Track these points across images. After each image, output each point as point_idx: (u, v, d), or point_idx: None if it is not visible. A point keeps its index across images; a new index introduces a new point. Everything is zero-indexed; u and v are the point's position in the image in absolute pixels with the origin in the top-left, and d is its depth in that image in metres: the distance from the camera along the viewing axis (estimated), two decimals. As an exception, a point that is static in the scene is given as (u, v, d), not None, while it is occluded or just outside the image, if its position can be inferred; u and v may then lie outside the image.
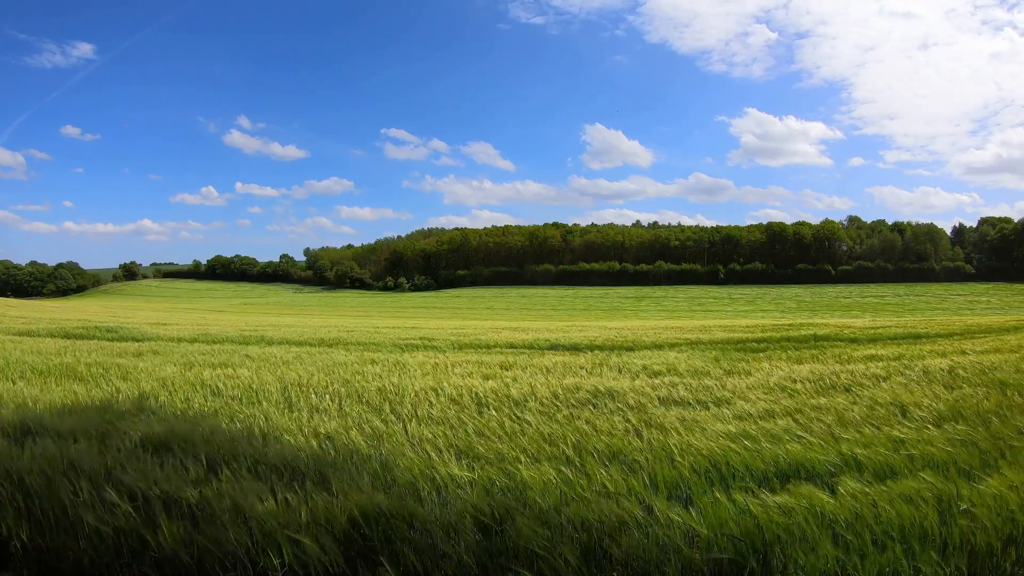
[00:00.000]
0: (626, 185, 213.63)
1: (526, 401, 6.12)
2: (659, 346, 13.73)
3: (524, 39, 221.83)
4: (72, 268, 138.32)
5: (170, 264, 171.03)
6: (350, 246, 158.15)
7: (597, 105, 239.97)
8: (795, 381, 7.21)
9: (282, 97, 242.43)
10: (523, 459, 4.10)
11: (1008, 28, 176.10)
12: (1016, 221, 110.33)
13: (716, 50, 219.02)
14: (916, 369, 7.95)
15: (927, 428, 4.69)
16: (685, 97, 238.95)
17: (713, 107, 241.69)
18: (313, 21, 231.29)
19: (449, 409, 5.79)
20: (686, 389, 6.75)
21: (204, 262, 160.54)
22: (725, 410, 5.69)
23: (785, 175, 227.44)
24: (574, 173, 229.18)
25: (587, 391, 6.61)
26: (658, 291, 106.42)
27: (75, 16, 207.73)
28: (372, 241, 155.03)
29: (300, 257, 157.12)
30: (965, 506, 2.92)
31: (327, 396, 6.53)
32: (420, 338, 16.96)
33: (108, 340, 16.49)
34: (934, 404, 5.52)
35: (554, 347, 13.83)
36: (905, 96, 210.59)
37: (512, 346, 14.37)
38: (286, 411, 5.79)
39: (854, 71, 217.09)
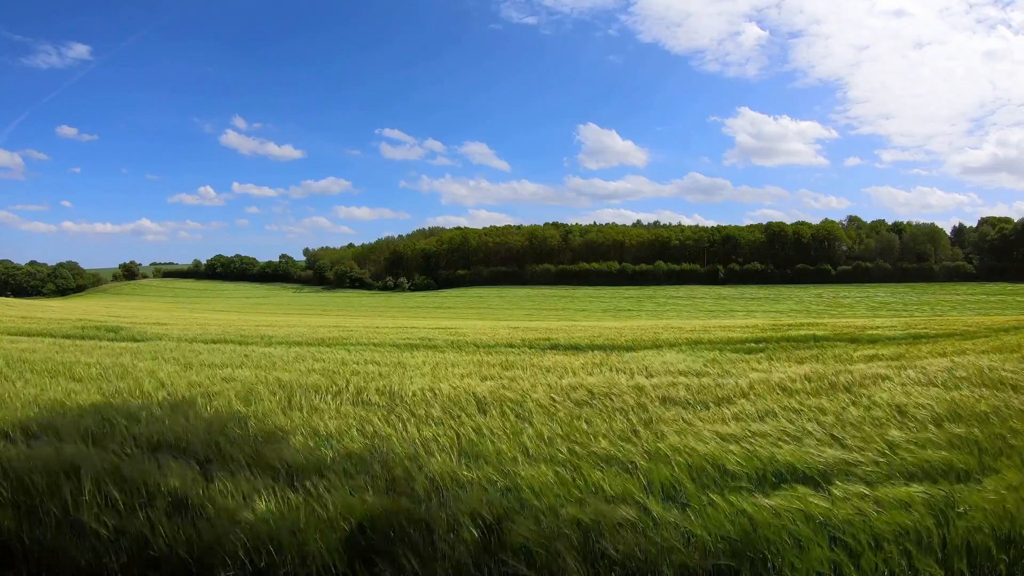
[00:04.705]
0: (623, 185, 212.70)
1: (525, 401, 6.12)
2: (658, 346, 13.74)
3: (517, 39, 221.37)
4: (72, 268, 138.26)
5: (170, 264, 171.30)
6: (351, 245, 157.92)
7: (591, 105, 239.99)
8: (794, 381, 7.20)
9: (277, 97, 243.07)
10: (522, 459, 4.11)
11: (1001, 26, 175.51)
12: (1016, 221, 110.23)
13: (709, 50, 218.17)
14: (915, 369, 7.94)
15: (926, 428, 4.69)
16: (679, 97, 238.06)
17: (707, 107, 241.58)
18: (306, 22, 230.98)
19: (448, 409, 5.80)
20: (685, 389, 6.74)
21: (204, 262, 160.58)
22: (724, 410, 5.68)
23: (781, 175, 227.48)
24: (570, 173, 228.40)
25: (586, 391, 6.62)
26: (658, 291, 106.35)
27: (71, 18, 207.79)
28: (371, 241, 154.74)
29: (299, 257, 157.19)
30: (962, 508, 2.92)
31: (327, 396, 6.54)
32: (420, 338, 16.98)
33: (108, 340, 16.51)
34: (933, 404, 5.51)
35: (554, 347, 13.84)
36: (900, 95, 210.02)
37: (512, 346, 14.38)
38: (285, 411, 5.80)
39: (848, 70, 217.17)
